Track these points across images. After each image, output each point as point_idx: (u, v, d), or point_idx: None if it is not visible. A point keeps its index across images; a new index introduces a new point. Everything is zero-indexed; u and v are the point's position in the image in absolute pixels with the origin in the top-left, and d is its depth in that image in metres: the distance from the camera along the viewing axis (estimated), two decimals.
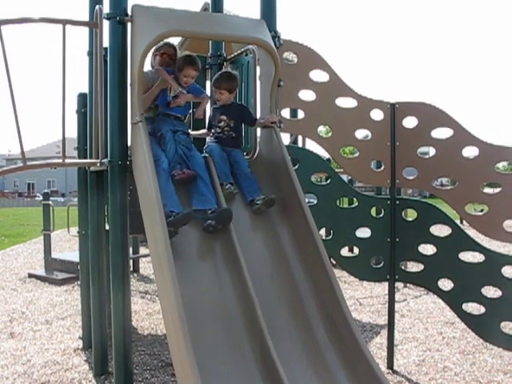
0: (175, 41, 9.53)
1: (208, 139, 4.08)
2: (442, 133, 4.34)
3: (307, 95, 4.38)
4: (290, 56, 4.52)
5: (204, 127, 4.19)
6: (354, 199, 4.53)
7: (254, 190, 3.69)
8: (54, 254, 9.39)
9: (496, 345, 4.31)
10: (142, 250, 9.33)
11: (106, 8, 3.63)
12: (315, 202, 4.35)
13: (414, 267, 4.77)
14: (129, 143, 3.67)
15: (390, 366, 4.63)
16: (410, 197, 13.22)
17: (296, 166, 4.06)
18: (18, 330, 5.79)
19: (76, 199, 6.07)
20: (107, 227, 4.16)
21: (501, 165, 5.53)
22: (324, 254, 3.31)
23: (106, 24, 3.62)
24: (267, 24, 3.79)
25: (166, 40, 3.78)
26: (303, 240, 3.46)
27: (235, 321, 3.04)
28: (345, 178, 5.99)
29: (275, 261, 3.44)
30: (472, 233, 4.37)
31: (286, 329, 3.12)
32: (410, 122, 4.44)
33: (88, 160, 4.37)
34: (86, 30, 4.45)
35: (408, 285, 7.63)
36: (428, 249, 4.38)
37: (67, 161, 3.79)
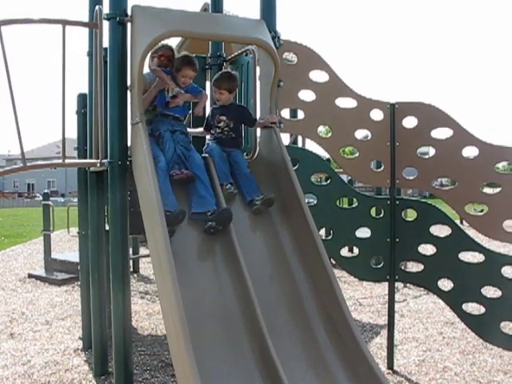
0: (175, 41, 9.55)
1: (208, 139, 4.08)
2: (441, 133, 4.34)
3: (307, 95, 4.38)
4: (290, 56, 4.52)
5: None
6: (354, 199, 4.53)
7: (253, 190, 3.69)
8: (54, 255, 9.39)
9: (496, 345, 4.31)
10: (142, 251, 9.33)
11: (106, 8, 3.63)
12: (315, 202, 4.35)
13: (413, 267, 4.78)
14: (129, 143, 3.68)
15: (390, 366, 4.63)
16: (410, 197, 13.25)
17: (296, 167, 4.06)
18: (18, 330, 5.79)
19: (76, 199, 6.07)
20: (107, 227, 4.16)
21: (501, 165, 5.53)
22: (324, 254, 3.31)
23: (105, 24, 3.62)
24: (267, 24, 3.79)
25: (163, 42, 3.78)
26: (303, 240, 3.46)
27: (235, 321, 3.04)
28: (345, 178, 5.99)
29: (275, 261, 3.44)
30: (472, 233, 4.37)
31: (285, 329, 3.12)
32: (409, 122, 4.44)
33: (88, 160, 4.37)
34: (85, 31, 4.45)
35: (408, 285, 7.63)
36: (428, 249, 4.38)
37: (67, 161, 3.79)
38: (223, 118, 3.86)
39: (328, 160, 6.09)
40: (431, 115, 4.34)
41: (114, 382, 3.78)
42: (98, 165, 3.76)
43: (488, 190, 4.37)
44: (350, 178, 9.13)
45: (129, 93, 3.59)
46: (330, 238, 4.43)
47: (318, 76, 4.39)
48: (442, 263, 4.30)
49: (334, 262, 4.29)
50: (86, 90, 4.63)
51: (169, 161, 3.56)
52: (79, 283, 5.60)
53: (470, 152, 4.25)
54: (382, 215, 4.49)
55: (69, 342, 5.36)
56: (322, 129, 4.60)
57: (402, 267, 4.64)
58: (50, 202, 9.07)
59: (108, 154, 3.65)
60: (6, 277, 8.94)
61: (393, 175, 4.46)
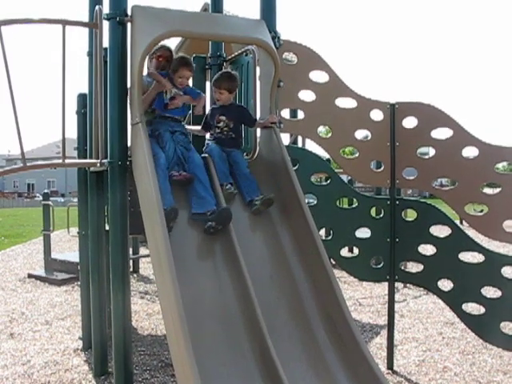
0: (175, 41, 9.56)
1: (207, 139, 4.08)
2: (441, 133, 4.34)
3: (307, 95, 4.38)
4: (290, 56, 4.52)
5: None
6: (354, 199, 4.53)
7: (253, 190, 3.69)
8: (54, 255, 9.39)
9: (496, 345, 4.31)
10: (142, 251, 9.33)
11: (106, 8, 3.63)
12: (315, 202, 4.35)
13: (413, 267, 4.77)
14: (129, 144, 3.68)
15: (390, 366, 4.63)
16: (410, 197, 13.25)
17: (296, 167, 4.06)
18: (18, 330, 5.79)
19: (76, 199, 6.07)
20: (107, 227, 4.16)
21: (500, 165, 5.53)
22: (324, 254, 3.31)
23: (105, 24, 3.62)
24: (267, 24, 3.79)
25: (162, 42, 3.78)
26: (303, 240, 3.46)
27: (235, 321, 3.04)
28: (344, 178, 5.99)
29: (275, 261, 3.44)
30: (472, 233, 4.37)
31: (285, 329, 3.12)
32: (409, 123, 4.44)
33: (88, 160, 4.37)
34: (85, 31, 4.46)
35: (408, 285, 7.63)
36: (428, 249, 4.38)
37: (67, 161, 3.79)
38: (223, 118, 3.86)
39: (328, 160, 6.10)
40: (431, 115, 4.34)
41: (113, 382, 3.78)
42: (98, 165, 3.76)
43: (488, 191, 4.37)
44: (349, 178, 9.14)
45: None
46: (329, 238, 4.43)
47: (318, 76, 4.39)
48: (442, 263, 4.30)
49: (333, 262, 4.29)
50: (86, 90, 4.63)
51: (169, 160, 3.56)
52: (79, 283, 5.60)
53: (469, 152, 4.26)
54: (381, 215, 4.49)
55: (69, 342, 5.36)
56: (322, 129, 4.61)
57: (402, 267, 4.64)
58: (49, 202, 9.06)
59: (108, 154, 3.65)
60: (6, 277, 8.94)
61: (393, 175, 4.46)
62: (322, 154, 4.81)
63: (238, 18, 4.75)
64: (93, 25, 3.78)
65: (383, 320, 5.96)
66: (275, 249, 3.50)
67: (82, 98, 5.02)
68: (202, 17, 4.22)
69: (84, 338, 5.15)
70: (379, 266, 4.51)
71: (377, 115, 4.47)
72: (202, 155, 3.79)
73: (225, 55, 4.56)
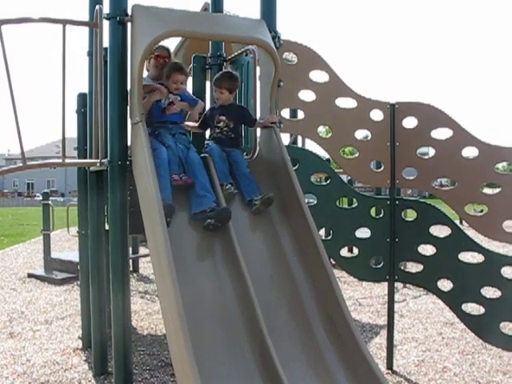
0: (175, 41, 9.55)
1: (207, 139, 4.08)
2: (441, 133, 4.34)
3: (307, 95, 4.38)
4: (290, 56, 4.52)
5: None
6: (354, 199, 4.53)
7: (253, 190, 3.69)
8: (54, 254, 9.38)
9: (495, 345, 4.31)
10: (142, 250, 9.33)
11: (106, 8, 3.63)
12: (315, 202, 4.35)
13: (413, 267, 4.77)
14: (129, 143, 3.68)
15: (390, 366, 4.63)
16: (410, 197, 13.25)
17: (296, 167, 4.06)
18: (18, 329, 5.79)
19: (76, 199, 6.07)
20: (107, 227, 4.16)
21: (500, 165, 5.53)
22: (324, 254, 3.31)
23: (106, 24, 3.62)
24: (267, 24, 3.79)
25: (161, 42, 3.78)
26: (303, 240, 3.46)
27: (235, 320, 3.04)
28: (344, 178, 5.99)
29: (275, 261, 3.44)
30: (471, 233, 4.37)
31: (285, 329, 3.12)
32: (409, 123, 4.44)
33: (88, 160, 4.37)
34: (86, 30, 4.46)
35: (407, 285, 7.63)
36: (427, 249, 4.38)
37: (67, 161, 3.79)
38: (223, 118, 3.86)
39: (328, 160, 6.10)
40: (431, 115, 4.34)
41: (113, 381, 3.78)
42: (98, 164, 3.76)
43: (488, 191, 4.37)
44: (349, 178, 9.13)
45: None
46: (329, 238, 4.43)
47: (318, 76, 4.39)
48: (442, 263, 4.30)
49: (333, 262, 4.29)
50: (86, 90, 4.63)
51: (169, 158, 3.56)
52: (79, 283, 5.61)
53: (469, 152, 4.26)
54: (381, 215, 4.49)
55: (68, 341, 5.36)
56: (321, 129, 4.61)
57: (402, 267, 4.64)
58: (49, 202, 9.07)
59: (108, 153, 3.66)
60: (6, 276, 8.94)
61: (393, 175, 4.46)
62: (322, 153, 4.81)
63: (238, 17, 4.76)
64: (93, 24, 3.78)
65: (383, 320, 5.96)
66: (275, 249, 3.50)
67: (82, 97, 5.02)
68: (202, 17, 4.23)
69: (84, 337, 5.15)
70: (379, 266, 4.51)
71: (377, 115, 4.47)
72: (202, 155, 3.80)
73: (225, 55, 4.56)
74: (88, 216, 4.58)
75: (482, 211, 4.43)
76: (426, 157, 4.46)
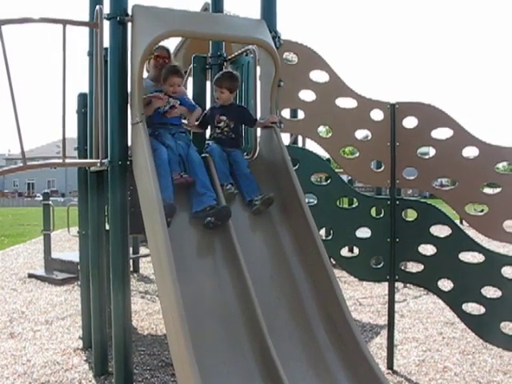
0: (175, 41, 9.55)
1: (208, 139, 4.08)
2: (442, 133, 4.34)
3: (307, 95, 4.38)
4: (290, 56, 4.52)
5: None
6: (354, 199, 4.53)
7: (253, 190, 3.69)
8: (54, 254, 9.39)
9: (496, 345, 4.31)
10: (142, 250, 9.34)
11: (107, 8, 3.63)
12: (315, 202, 4.35)
13: (413, 267, 4.78)
14: (129, 143, 3.68)
15: (390, 366, 4.63)
16: (410, 197, 13.25)
17: (296, 166, 4.06)
18: (18, 330, 5.79)
19: (76, 199, 6.07)
20: (107, 227, 4.16)
21: (501, 165, 5.53)
22: (324, 254, 3.31)
23: (106, 24, 3.62)
24: (267, 24, 3.79)
25: (160, 43, 3.79)
26: (303, 240, 3.46)
27: (235, 319, 3.05)
28: (345, 178, 5.99)
29: (275, 261, 3.44)
30: (472, 233, 4.37)
31: (285, 329, 3.12)
32: (410, 123, 4.44)
33: (88, 160, 4.37)
34: (86, 30, 4.46)
35: (408, 285, 7.63)
36: (428, 249, 4.38)
37: (67, 161, 3.80)
38: (223, 118, 3.86)
39: (328, 160, 6.10)
40: (431, 115, 4.34)
41: (113, 381, 3.78)
42: (99, 164, 3.76)
43: (488, 191, 4.37)
44: (350, 177, 9.14)
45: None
46: (330, 238, 4.43)
47: (319, 76, 4.39)
48: (442, 263, 4.30)
49: (334, 262, 4.29)
50: (86, 90, 4.63)
51: (170, 157, 3.56)
52: (79, 283, 5.61)
53: (470, 152, 4.26)
54: (382, 215, 4.49)
55: (69, 341, 5.36)
56: (322, 129, 4.60)
57: (402, 267, 4.64)
58: (50, 202, 9.07)
59: (108, 153, 3.65)
60: (6, 276, 8.94)
61: (393, 175, 4.46)
62: (323, 153, 4.81)
63: (238, 17, 4.76)
64: (93, 24, 3.78)
65: (383, 320, 5.96)
66: (275, 249, 3.50)
67: (82, 97, 5.02)
68: (202, 16, 4.23)
69: (84, 337, 5.15)
70: (379, 266, 4.51)
71: (377, 115, 4.47)
72: (203, 155, 3.80)
73: (225, 55, 4.56)
74: (88, 216, 4.58)
75: (482, 211, 4.43)
76: (427, 157, 4.46)
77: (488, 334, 4.20)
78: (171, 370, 4.40)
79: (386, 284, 4.62)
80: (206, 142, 4.06)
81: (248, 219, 3.62)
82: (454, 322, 5.92)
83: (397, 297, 5.79)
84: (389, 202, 4.47)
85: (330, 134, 4.50)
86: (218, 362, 2.84)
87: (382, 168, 4.51)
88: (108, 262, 3.87)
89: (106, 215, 4.45)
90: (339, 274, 6.63)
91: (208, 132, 4.15)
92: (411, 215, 4.56)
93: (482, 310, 4.23)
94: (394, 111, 4.44)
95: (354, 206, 4.52)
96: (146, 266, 9.36)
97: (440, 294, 4.34)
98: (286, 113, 4.49)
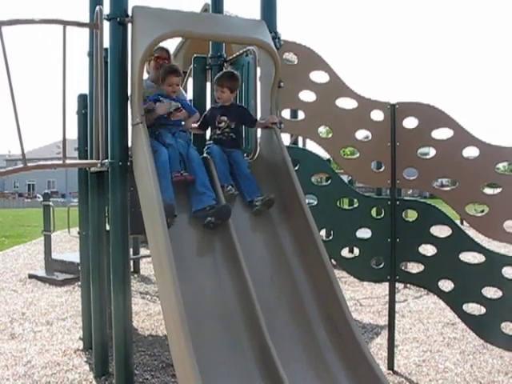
0: (175, 42, 9.56)
1: (208, 140, 4.08)
2: (442, 133, 4.34)
3: (307, 96, 4.38)
4: (291, 57, 4.52)
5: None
6: (355, 200, 4.53)
7: (253, 191, 3.69)
8: (55, 255, 9.38)
9: (496, 345, 4.31)
10: (143, 251, 9.33)
11: (107, 9, 3.64)
12: (315, 202, 4.35)
13: (414, 268, 4.77)
14: (129, 144, 3.68)
15: (391, 366, 4.63)
16: (410, 197, 13.25)
17: (296, 167, 4.06)
18: (19, 330, 5.79)
19: (76, 200, 6.07)
20: (108, 228, 4.16)
21: (501, 165, 5.53)
22: (324, 254, 3.31)
23: (106, 25, 3.63)
24: (267, 25, 3.79)
25: (160, 44, 3.79)
26: (304, 241, 3.46)
27: (235, 319, 3.05)
28: (345, 178, 5.98)
29: (275, 262, 3.44)
30: (472, 233, 4.37)
31: (286, 330, 3.12)
32: (410, 123, 4.44)
33: (88, 161, 4.37)
34: (86, 31, 4.46)
35: (408, 285, 7.63)
36: (428, 249, 4.38)
37: (68, 162, 3.80)
38: (224, 118, 3.86)
39: (328, 160, 6.10)
40: (431, 115, 4.34)
41: (114, 382, 3.78)
42: (99, 165, 3.76)
43: (488, 191, 4.37)
44: (350, 178, 9.13)
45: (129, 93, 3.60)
46: (330, 238, 4.43)
47: (319, 76, 4.39)
48: (443, 264, 4.30)
49: (334, 263, 4.29)
50: (86, 91, 4.63)
51: (170, 156, 3.56)
52: (80, 283, 5.60)
53: (470, 152, 4.26)
54: (382, 216, 4.49)
55: (69, 342, 5.36)
56: (322, 129, 4.60)
57: (403, 268, 4.64)
58: (50, 203, 9.06)
59: (109, 154, 3.66)
60: (7, 277, 8.93)
61: (393, 176, 4.46)
62: (323, 154, 4.81)
63: (238, 18, 4.76)
64: (93, 25, 3.79)
65: (384, 320, 5.96)
66: (276, 249, 3.50)
67: (82, 98, 5.02)
68: (202, 17, 4.23)
69: (85, 338, 5.15)
70: (380, 267, 4.51)
71: (377, 115, 4.47)
72: (203, 156, 3.80)
73: (225, 56, 4.56)
74: (89, 217, 4.58)
75: (482, 211, 4.42)
76: (427, 157, 4.46)
77: (488, 334, 4.20)
78: (172, 371, 4.39)
79: (386, 284, 4.62)
80: (207, 142, 4.06)
81: (248, 220, 3.62)
82: (455, 322, 5.91)
83: (397, 297, 5.78)
84: (389, 203, 4.47)
85: (330, 135, 4.50)
86: (219, 362, 2.84)
87: (383, 168, 4.50)
88: (108, 262, 3.87)
89: (106, 216, 4.45)
90: (339, 274, 6.61)
91: (208, 132, 4.16)
92: (411, 215, 4.56)
93: (483, 310, 4.23)
94: (395, 111, 4.44)
95: (354, 206, 4.52)
96: (147, 267, 9.36)
97: (440, 294, 4.34)
98: (286, 113, 4.49)
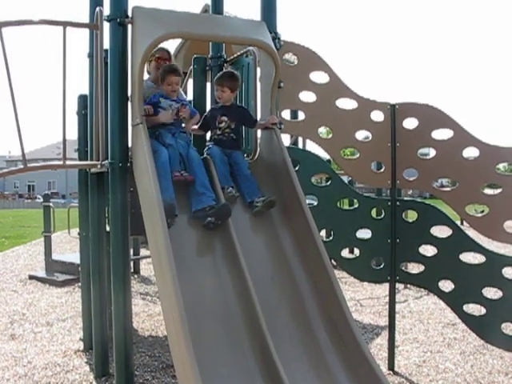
0: (176, 42, 9.56)
1: (208, 140, 4.08)
2: (442, 134, 4.34)
3: (307, 96, 4.38)
4: (290, 57, 4.52)
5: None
6: (355, 200, 4.53)
7: (254, 191, 3.69)
8: (55, 256, 9.37)
9: (497, 346, 4.31)
10: (143, 252, 9.33)
11: (107, 10, 3.64)
12: (316, 203, 4.35)
13: (414, 268, 4.77)
14: (129, 144, 3.68)
15: (391, 367, 4.63)
16: (411, 197, 13.25)
17: (296, 168, 4.06)
18: (19, 331, 5.79)
19: (76, 201, 6.07)
20: (108, 229, 4.16)
21: (501, 166, 5.53)
22: (325, 255, 3.31)
23: (106, 26, 3.63)
24: (267, 25, 3.80)
25: (160, 44, 3.79)
26: (304, 241, 3.46)
27: (235, 320, 3.05)
28: (345, 179, 5.98)
29: (276, 262, 3.45)
30: (472, 234, 4.37)
31: (286, 330, 3.12)
32: (410, 123, 4.44)
33: (89, 162, 4.38)
34: (86, 32, 4.46)
35: (408, 286, 7.63)
36: (428, 250, 4.38)
37: (68, 162, 3.80)
38: (225, 118, 3.86)
39: (328, 161, 6.10)
40: (432, 116, 4.34)
41: (114, 383, 3.78)
42: (99, 166, 3.77)
43: (489, 191, 4.37)
44: (350, 178, 9.13)
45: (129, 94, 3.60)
46: (330, 239, 4.43)
47: (319, 77, 4.39)
48: (443, 264, 4.29)
49: (334, 263, 4.29)
50: (86, 91, 4.63)
51: (170, 156, 3.56)
52: (80, 284, 5.60)
53: (470, 153, 4.26)
54: (382, 216, 4.49)
55: (69, 343, 5.36)
56: (322, 130, 4.60)
57: (403, 268, 4.64)
58: (50, 204, 9.06)
59: (109, 155, 3.66)
60: (7, 278, 8.93)
61: (393, 176, 4.46)
62: (323, 154, 4.81)
63: (238, 19, 4.77)
64: (93, 26, 3.79)
65: (384, 321, 5.96)
66: (276, 250, 3.50)
67: (82, 99, 5.02)
68: (202, 18, 4.23)
69: (85, 339, 5.15)
70: (380, 267, 4.51)
71: (377, 116, 4.47)
72: (203, 156, 3.80)
73: (225, 56, 4.56)
74: (89, 217, 4.58)
75: (482, 212, 4.42)
76: (427, 157, 4.46)
77: (489, 334, 4.20)
78: (172, 372, 4.39)
79: (386, 285, 4.61)
80: (207, 143, 4.06)
81: (249, 220, 3.62)
82: (455, 322, 5.91)
83: (397, 298, 5.78)
84: (389, 203, 4.47)
85: (330, 135, 4.50)
86: (219, 362, 2.84)
87: (383, 169, 4.50)
88: (109, 263, 3.87)
89: (106, 217, 4.45)
90: (340, 274, 6.60)
91: (208, 133, 4.16)
92: (412, 216, 4.56)
93: (483, 310, 4.23)
94: (395, 112, 4.44)
95: (354, 207, 4.52)
96: (147, 268, 9.36)
97: (441, 294, 4.34)
98: (286, 114, 4.49)
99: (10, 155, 67.44)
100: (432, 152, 4.42)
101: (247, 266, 3.17)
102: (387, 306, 4.75)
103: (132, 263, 8.44)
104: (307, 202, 3.67)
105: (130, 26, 3.55)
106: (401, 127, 4.44)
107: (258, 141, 4.09)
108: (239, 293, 3.12)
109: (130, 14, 3.53)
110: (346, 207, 5.40)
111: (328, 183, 4.47)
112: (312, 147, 4.92)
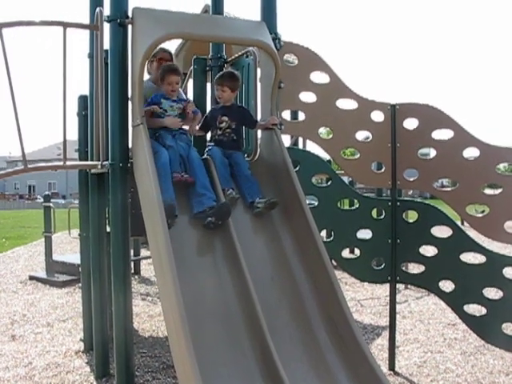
0: (176, 43, 9.56)
1: (208, 141, 4.08)
2: (442, 134, 4.34)
3: (308, 97, 4.38)
4: (291, 58, 4.52)
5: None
6: (355, 201, 4.53)
7: (254, 192, 3.69)
8: (55, 256, 9.37)
9: (497, 346, 4.30)
10: (143, 252, 9.33)
11: (107, 10, 3.64)
12: (316, 203, 4.35)
13: (415, 268, 4.77)
14: (130, 145, 3.68)
15: (392, 367, 4.62)
16: (411, 197, 13.23)
17: (297, 168, 4.06)
18: (19, 332, 5.79)
19: (77, 201, 6.07)
20: (108, 229, 4.16)
21: (502, 166, 5.53)
22: (325, 255, 3.31)
23: (106, 26, 3.63)
24: (267, 26, 3.80)
25: (161, 45, 3.79)
26: (304, 242, 3.46)
27: (235, 320, 3.05)
28: (345, 179, 5.98)
29: (276, 262, 3.45)
30: (473, 234, 4.36)
31: (286, 330, 3.12)
32: (410, 124, 4.44)
33: (89, 162, 4.38)
34: (86, 33, 4.46)
35: (409, 286, 7.62)
36: (429, 250, 4.38)
37: (68, 163, 3.80)
38: (225, 118, 3.86)
39: (329, 161, 6.10)
40: (432, 116, 4.34)
41: (115, 383, 3.78)
42: (99, 167, 3.77)
43: (489, 191, 4.36)
44: (350, 179, 9.13)
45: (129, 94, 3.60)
46: (331, 239, 4.43)
47: (319, 77, 4.39)
48: (443, 264, 4.29)
49: (335, 264, 4.29)
50: (87, 92, 4.64)
51: (171, 158, 3.56)
52: (80, 285, 5.60)
53: (470, 153, 4.26)
54: (382, 216, 4.49)
55: (70, 343, 5.36)
56: (322, 130, 4.60)
57: (403, 268, 4.64)
58: (50, 204, 9.07)
59: (109, 155, 3.66)
60: (7, 279, 8.94)
61: (394, 176, 4.46)
62: (323, 155, 4.81)
63: (238, 19, 4.77)
64: (94, 27, 3.79)
65: (384, 321, 5.96)
66: (276, 250, 3.50)
67: (82, 99, 5.03)
68: (202, 19, 4.23)
69: (85, 339, 5.15)
70: (380, 267, 4.51)
71: (377, 116, 4.47)
72: (203, 157, 3.80)
73: (225, 57, 4.57)
74: (89, 218, 4.58)
75: (483, 212, 4.42)
76: (427, 158, 4.45)
77: (489, 335, 4.19)
78: (173, 372, 4.39)
79: (387, 285, 4.61)
80: (207, 144, 4.06)
81: (249, 221, 3.62)
82: (456, 323, 5.90)
83: (398, 298, 5.78)
84: (390, 203, 4.47)
85: (330, 136, 4.50)
86: (219, 362, 2.84)
87: (383, 169, 4.50)
88: (109, 264, 3.87)
89: (106, 217, 4.45)
90: (340, 275, 6.62)
91: (208, 134, 4.16)
92: (412, 216, 4.56)
93: (484, 311, 4.23)
94: (395, 112, 4.44)
95: (354, 207, 4.52)
96: (147, 268, 9.36)
97: (441, 295, 4.34)
98: (286, 114, 4.49)
99: (10, 156, 67.45)
100: (432, 152, 4.42)
101: (247, 266, 3.17)
102: (388, 307, 4.75)
103: (132, 264, 8.44)
104: (307, 202, 3.67)
105: (130, 27, 3.55)
106: (401, 127, 4.44)
107: (259, 141, 4.09)
108: (239, 293, 3.12)
109: (130, 14, 3.54)
110: (347, 207, 5.40)
111: (328, 183, 4.47)
112: (312, 148, 4.92)
